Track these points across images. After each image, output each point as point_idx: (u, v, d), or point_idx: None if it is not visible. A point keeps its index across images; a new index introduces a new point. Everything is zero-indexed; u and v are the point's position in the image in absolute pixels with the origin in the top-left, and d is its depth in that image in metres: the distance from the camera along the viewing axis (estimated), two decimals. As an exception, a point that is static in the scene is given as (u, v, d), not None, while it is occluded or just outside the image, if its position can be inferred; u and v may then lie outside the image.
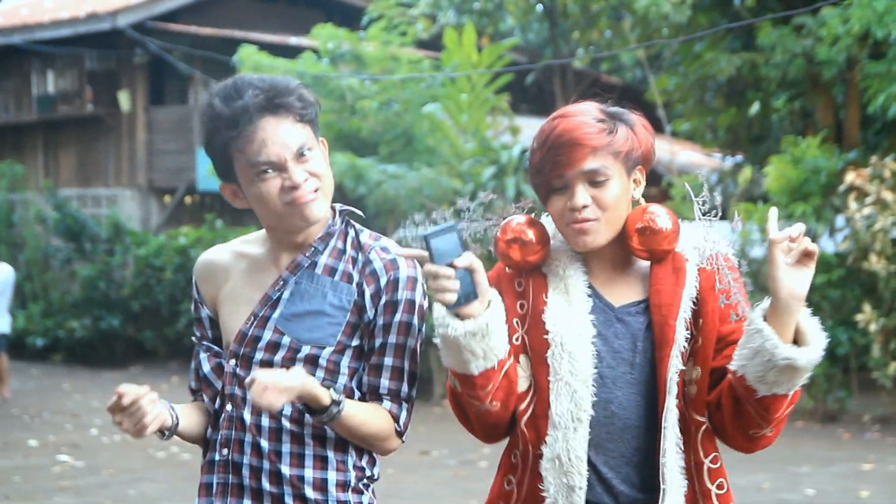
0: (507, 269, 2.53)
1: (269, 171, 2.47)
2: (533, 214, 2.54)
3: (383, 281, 2.53)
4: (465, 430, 2.57)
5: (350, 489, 2.56)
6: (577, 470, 2.39)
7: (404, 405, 2.56)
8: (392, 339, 2.54)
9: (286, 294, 2.55)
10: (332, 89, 14.38)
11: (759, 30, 14.14)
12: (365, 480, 2.60)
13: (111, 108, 19.67)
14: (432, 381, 13.77)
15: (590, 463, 2.41)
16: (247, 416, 2.54)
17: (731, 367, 2.33)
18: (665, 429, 2.37)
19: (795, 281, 2.25)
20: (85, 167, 20.30)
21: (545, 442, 2.42)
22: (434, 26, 18.89)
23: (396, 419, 2.55)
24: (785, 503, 8.29)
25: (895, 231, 11.73)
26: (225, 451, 2.56)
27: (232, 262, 2.67)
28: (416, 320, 2.56)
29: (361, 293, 2.53)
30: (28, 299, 18.59)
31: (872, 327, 11.42)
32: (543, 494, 2.43)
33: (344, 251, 2.58)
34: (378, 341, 2.53)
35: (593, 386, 2.40)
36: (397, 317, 2.53)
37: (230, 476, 2.55)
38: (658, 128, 17.86)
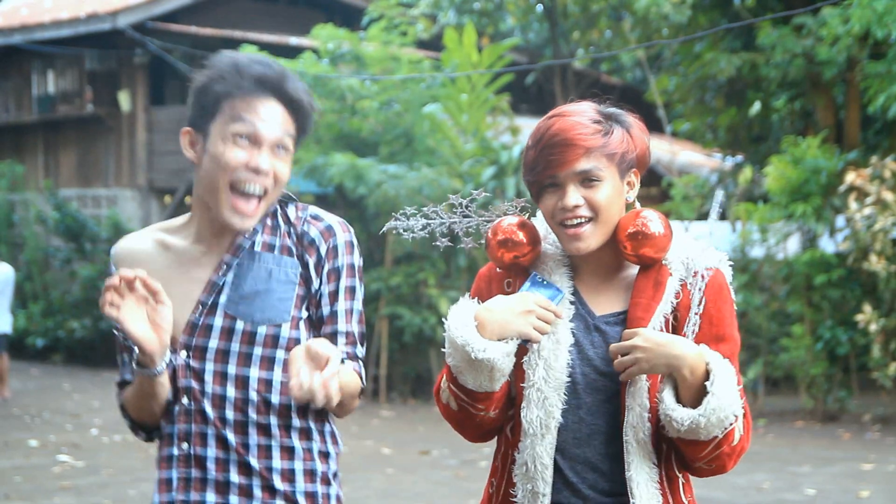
0: (497, 268, 2.54)
1: (245, 140, 2.46)
2: (527, 214, 2.54)
3: (323, 249, 2.53)
4: (456, 431, 2.58)
5: (318, 479, 2.57)
6: (541, 476, 2.40)
7: (361, 363, 2.58)
8: (340, 305, 2.54)
9: (229, 277, 2.52)
10: (333, 89, 14.38)
11: (760, 30, 14.14)
12: (332, 468, 2.61)
13: (111, 109, 19.67)
14: (432, 382, 13.77)
15: (557, 468, 2.41)
16: (208, 409, 2.49)
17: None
18: (626, 442, 2.36)
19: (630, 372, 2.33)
20: (85, 167, 20.30)
21: (518, 448, 2.44)
22: (434, 26, 18.91)
23: (361, 378, 2.56)
24: (785, 503, 8.29)
25: (895, 231, 11.73)
26: (185, 444, 2.51)
27: (155, 252, 2.58)
28: (357, 282, 2.57)
29: (305, 264, 2.53)
30: (28, 299, 18.60)
31: (872, 327, 11.42)
32: (514, 500, 2.45)
33: (278, 226, 2.57)
34: (327, 310, 2.54)
35: (565, 395, 2.40)
36: (342, 282, 2.54)
37: (192, 470, 2.51)
38: (658, 128, 17.86)
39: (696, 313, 2.38)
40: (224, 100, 2.49)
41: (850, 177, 11.82)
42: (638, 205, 2.49)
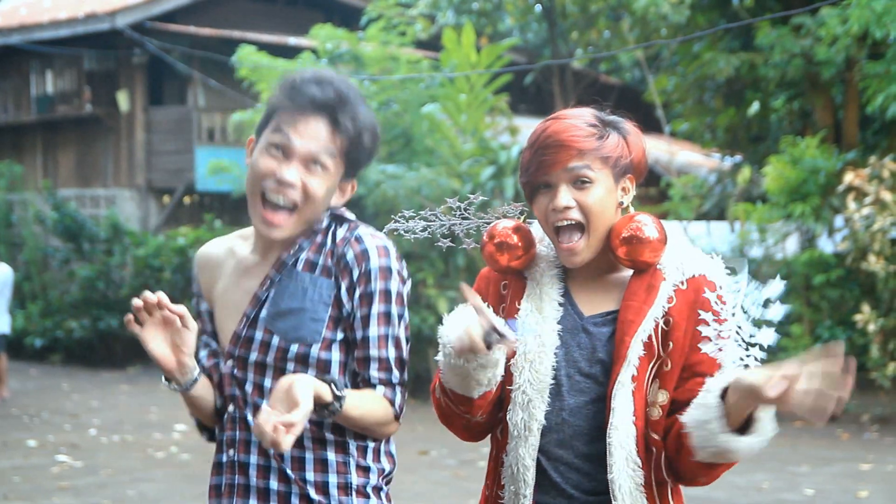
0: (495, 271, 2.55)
1: (279, 150, 2.50)
2: (524, 217, 2.55)
3: (356, 274, 2.51)
4: (449, 431, 2.59)
5: (353, 491, 2.56)
6: (523, 478, 2.41)
7: (398, 389, 2.57)
8: (373, 331, 2.53)
9: (272, 293, 2.56)
10: (331, 89, 14.37)
11: (758, 30, 14.15)
12: (372, 482, 2.59)
13: (110, 109, 19.67)
14: (431, 381, 13.78)
15: (542, 469, 2.42)
16: (250, 416, 2.54)
17: (682, 419, 2.31)
18: (609, 444, 2.35)
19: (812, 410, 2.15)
20: (83, 167, 20.29)
21: (506, 450, 2.45)
22: (433, 26, 18.91)
23: (392, 403, 2.55)
24: (784, 503, 8.29)
25: (894, 231, 11.74)
26: (231, 451, 2.58)
27: (225, 258, 2.68)
28: (394, 309, 2.54)
29: (339, 286, 2.53)
30: (27, 299, 18.60)
31: (871, 327, 11.43)
32: (501, 502, 2.47)
33: (324, 245, 2.58)
34: (360, 334, 2.53)
35: (549, 397, 2.41)
36: (374, 308, 2.52)
37: (237, 476, 2.56)
38: (657, 128, 17.87)
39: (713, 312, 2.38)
40: (275, 112, 2.54)
41: (849, 177, 11.83)
42: (632, 210, 2.50)
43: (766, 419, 2.25)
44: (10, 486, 8.72)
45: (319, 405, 2.43)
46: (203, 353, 2.66)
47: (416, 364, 14.15)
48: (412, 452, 10.22)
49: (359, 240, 2.53)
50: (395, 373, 2.56)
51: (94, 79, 19.81)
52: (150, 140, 19.59)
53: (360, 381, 2.56)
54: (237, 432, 2.57)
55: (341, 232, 2.57)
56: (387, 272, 2.53)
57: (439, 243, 2.65)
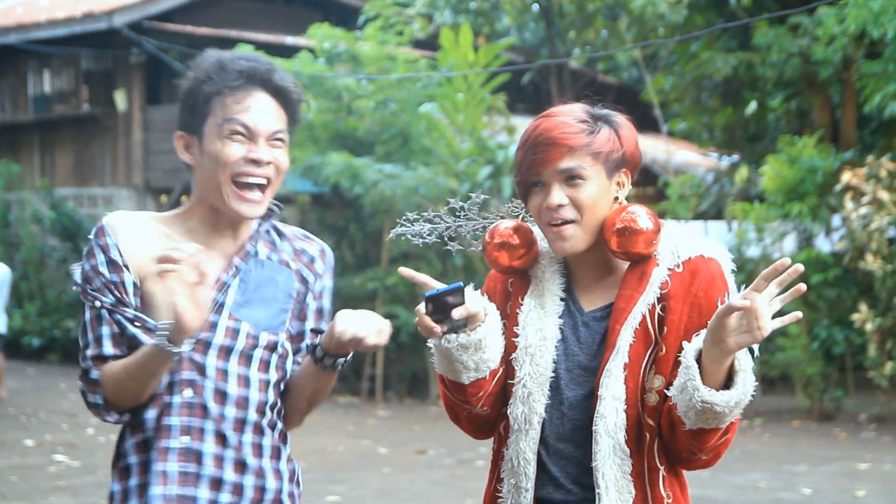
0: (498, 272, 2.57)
1: (241, 135, 2.49)
2: (523, 217, 2.56)
3: (321, 268, 2.66)
4: (458, 427, 2.59)
5: (294, 481, 2.62)
6: (524, 471, 2.42)
7: None
8: (325, 323, 2.63)
9: (236, 280, 2.55)
10: (329, 89, 14.38)
11: (756, 29, 14.15)
12: (296, 467, 2.66)
13: (107, 108, 19.65)
14: (428, 381, 13.77)
15: (542, 463, 2.42)
16: (211, 404, 2.49)
17: (668, 392, 2.31)
18: (595, 432, 2.35)
19: (740, 344, 2.22)
20: (81, 167, 20.28)
21: (506, 444, 2.46)
22: (430, 26, 18.90)
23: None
24: (781, 502, 8.30)
25: (891, 230, 11.75)
26: (185, 438, 2.49)
27: (158, 238, 2.53)
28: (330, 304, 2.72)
29: (303, 280, 2.62)
30: (24, 299, 18.59)
31: (868, 327, 11.43)
32: (499, 496, 2.48)
33: (273, 241, 2.64)
34: (311, 325, 2.63)
35: (549, 390, 2.41)
36: (325, 302, 2.67)
37: (190, 465, 2.49)
38: (655, 127, 17.86)
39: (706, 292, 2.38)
40: (214, 98, 2.50)
41: (846, 176, 11.83)
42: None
43: (745, 372, 2.25)
44: (8, 485, 8.72)
45: (339, 353, 2.53)
46: (136, 331, 2.47)
47: (413, 363, 14.14)
48: (410, 452, 10.22)
49: (308, 237, 2.68)
50: None
51: (92, 78, 19.79)
52: (147, 139, 19.57)
53: (308, 338, 2.64)
54: (193, 419, 2.49)
55: (283, 228, 2.67)
56: (333, 271, 2.71)
57: (448, 247, 2.65)
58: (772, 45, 13.78)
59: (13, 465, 9.56)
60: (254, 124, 2.49)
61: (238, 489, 2.51)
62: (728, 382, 2.26)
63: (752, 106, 16.09)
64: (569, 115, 2.43)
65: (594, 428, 2.35)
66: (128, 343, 2.48)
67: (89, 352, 2.50)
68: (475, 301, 2.38)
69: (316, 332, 2.62)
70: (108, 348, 2.49)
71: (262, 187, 2.51)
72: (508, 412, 2.44)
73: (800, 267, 2.21)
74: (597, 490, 2.35)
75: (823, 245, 12.43)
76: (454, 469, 9.50)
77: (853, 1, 11.53)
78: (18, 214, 19.37)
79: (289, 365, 2.59)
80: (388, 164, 13.85)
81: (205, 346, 2.50)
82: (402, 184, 13.36)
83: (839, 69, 14.04)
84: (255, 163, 2.49)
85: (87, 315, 2.50)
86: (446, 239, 2.65)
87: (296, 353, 2.61)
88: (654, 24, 16.63)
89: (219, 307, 2.51)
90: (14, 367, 16.30)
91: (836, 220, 12.25)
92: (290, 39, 18.74)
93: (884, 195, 11.53)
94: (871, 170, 11.77)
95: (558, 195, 2.39)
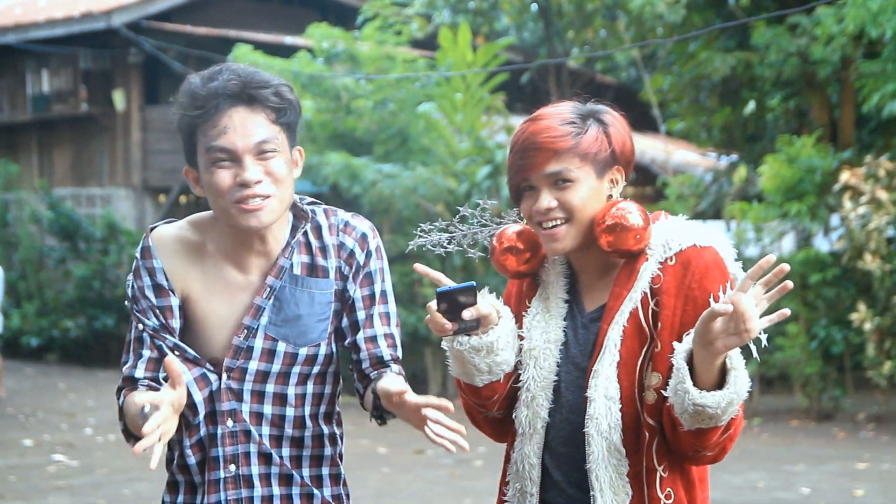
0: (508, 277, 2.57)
1: (225, 161, 2.43)
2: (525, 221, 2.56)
3: (361, 258, 2.57)
4: (476, 428, 2.59)
5: (341, 482, 2.63)
6: (528, 476, 2.42)
7: (401, 365, 2.62)
8: (377, 309, 2.57)
9: (271, 300, 2.52)
10: (327, 89, 14.37)
11: (754, 29, 14.15)
12: (342, 469, 2.65)
13: (106, 108, 19.63)
14: (427, 380, 13.77)
15: (545, 467, 2.42)
16: (251, 427, 2.52)
17: (665, 392, 2.29)
18: (587, 433, 2.34)
19: (728, 346, 2.18)
20: (79, 167, 20.27)
21: (513, 448, 2.47)
22: (429, 26, 18.89)
23: (405, 379, 2.59)
24: (780, 502, 8.30)
25: (890, 230, 11.75)
26: (232, 467, 2.51)
27: (198, 255, 2.53)
28: (388, 286, 2.62)
29: (343, 277, 2.55)
30: (23, 299, 18.57)
31: (867, 326, 11.43)
32: (505, 499, 2.48)
33: (309, 243, 2.57)
34: (363, 314, 2.56)
35: (552, 394, 2.41)
36: (377, 287, 2.58)
37: (242, 490, 2.53)
38: (653, 127, 17.87)
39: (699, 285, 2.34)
40: (195, 130, 2.45)
41: (845, 176, 11.83)
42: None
43: (737, 371, 2.22)
44: (7, 485, 8.71)
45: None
46: (174, 358, 2.38)
47: (412, 363, 14.13)
48: (408, 452, 10.22)
49: (349, 224, 2.58)
50: (399, 348, 2.60)
51: (90, 78, 19.77)
52: (146, 139, 19.56)
53: (367, 362, 2.55)
54: (238, 446, 2.52)
55: (323, 220, 2.58)
56: (380, 251, 2.60)
57: (469, 254, 2.63)
58: (770, 45, 13.77)
59: (12, 465, 9.55)
60: (232, 145, 2.42)
61: (288, 500, 2.55)
62: (721, 381, 2.24)
63: (751, 106, 16.09)
64: (555, 118, 2.41)
65: (585, 430, 2.35)
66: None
67: (125, 369, 2.54)
68: (487, 303, 2.37)
69: (370, 319, 2.54)
70: (141, 371, 2.50)
71: (264, 197, 2.45)
72: (514, 416, 2.45)
73: (785, 266, 2.17)
74: (591, 492, 2.34)
75: (822, 245, 12.43)
76: (453, 469, 9.50)
77: (851, 1, 11.53)
78: (17, 214, 19.36)
79: (331, 369, 2.58)
80: (387, 164, 13.85)
81: (241, 372, 2.50)
82: (400, 183, 13.36)
83: (838, 69, 14.03)
84: (245, 185, 2.42)
85: (133, 333, 2.53)
86: (465, 246, 2.63)
87: (349, 346, 2.55)
88: (653, 23, 16.63)
89: (254, 331, 2.50)
90: (12, 366, 16.30)
91: (834, 219, 12.24)
92: (288, 39, 18.73)
93: (882, 195, 11.52)
94: (869, 169, 11.77)
95: (546, 199, 2.39)
